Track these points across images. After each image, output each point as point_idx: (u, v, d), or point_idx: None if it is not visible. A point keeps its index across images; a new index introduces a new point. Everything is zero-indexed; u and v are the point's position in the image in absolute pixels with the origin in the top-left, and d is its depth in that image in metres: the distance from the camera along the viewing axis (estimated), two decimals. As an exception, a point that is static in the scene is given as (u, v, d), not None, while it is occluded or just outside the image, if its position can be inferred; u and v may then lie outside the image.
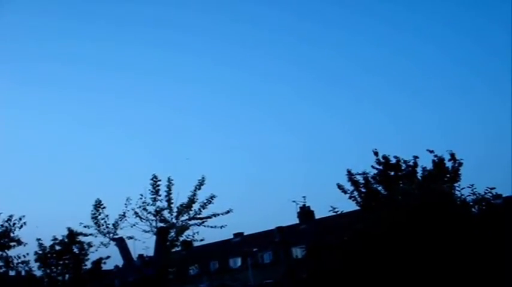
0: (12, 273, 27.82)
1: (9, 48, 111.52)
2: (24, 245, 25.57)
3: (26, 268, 26.99)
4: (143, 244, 22.28)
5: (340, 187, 24.19)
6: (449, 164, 23.88)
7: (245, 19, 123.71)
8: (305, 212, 54.08)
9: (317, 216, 54.37)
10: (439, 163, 23.92)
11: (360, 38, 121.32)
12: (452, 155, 23.94)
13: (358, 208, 24.39)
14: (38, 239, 28.11)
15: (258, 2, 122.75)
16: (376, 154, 24.54)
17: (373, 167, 24.33)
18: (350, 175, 24.16)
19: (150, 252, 22.36)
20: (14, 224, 24.96)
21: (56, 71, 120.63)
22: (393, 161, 24.28)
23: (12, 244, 25.04)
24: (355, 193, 24.03)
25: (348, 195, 24.09)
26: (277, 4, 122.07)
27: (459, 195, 22.96)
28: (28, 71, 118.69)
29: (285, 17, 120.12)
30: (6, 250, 25.08)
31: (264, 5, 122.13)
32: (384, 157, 24.35)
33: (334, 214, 24.08)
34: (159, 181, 21.04)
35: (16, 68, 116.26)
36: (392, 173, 24.17)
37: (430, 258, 19.78)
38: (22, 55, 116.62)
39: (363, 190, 24.02)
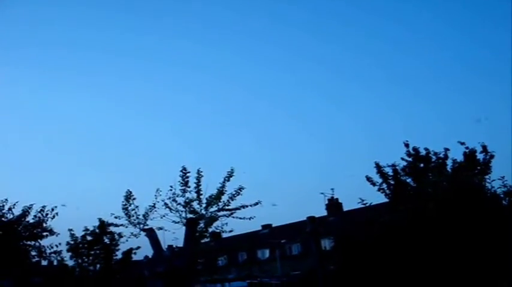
0: (44, 263, 28.22)
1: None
2: (57, 236, 25.93)
3: (58, 258, 27.38)
4: (173, 235, 22.55)
5: (368, 179, 24.10)
6: (480, 156, 23.62)
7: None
8: (333, 204, 53.83)
9: (345, 208, 54.18)
10: (470, 155, 23.66)
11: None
12: (484, 147, 23.66)
13: (387, 200, 24.29)
14: (70, 230, 28.41)
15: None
16: (406, 145, 24.33)
17: (402, 159, 24.17)
18: (378, 167, 24.05)
19: (179, 243, 22.61)
20: (47, 214, 25.33)
21: (105, 61, 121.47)
22: (423, 153, 24.09)
23: (44, 234, 25.43)
24: (384, 185, 23.92)
25: (376, 187, 24.01)
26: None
27: (490, 187, 22.84)
28: (76, 58, 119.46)
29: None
30: (39, 240, 25.49)
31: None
32: (414, 149, 24.15)
33: (363, 206, 24.12)
34: (189, 172, 21.20)
35: (66, 55, 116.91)
36: (422, 165, 23.98)
37: (460, 250, 19.69)
38: (71, 43, 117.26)
39: (392, 182, 23.90)
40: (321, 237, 39.43)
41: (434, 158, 23.80)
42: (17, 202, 25.30)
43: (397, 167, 23.87)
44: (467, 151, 23.68)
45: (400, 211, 22.42)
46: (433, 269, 20.24)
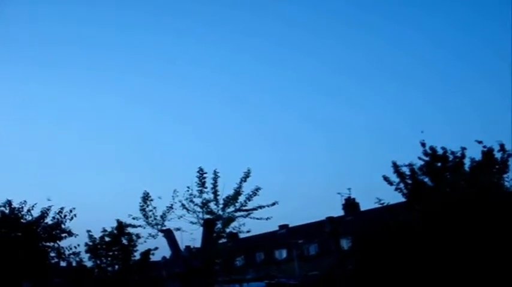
0: (63, 264, 28.43)
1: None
2: (75, 237, 26.11)
3: (77, 259, 27.58)
4: (190, 236, 22.58)
5: (386, 178, 24.05)
6: (498, 155, 23.47)
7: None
8: (350, 204, 53.83)
9: (362, 208, 54.12)
10: (487, 153, 23.52)
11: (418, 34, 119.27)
12: (502, 146, 23.52)
13: (404, 199, 24.21)
14: (88, 231, 28.64)
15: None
16: (423, 145, 24.26)
17: (419, 158, 24.08)
18: (396, 167, 23.98)
19: (197, 243, 22.62)
20: (65, 216, 25.52)
21: (122, 60, 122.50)
22: (440, 152, 23.98)
23: (63, 235, 25.61)
24: (401, 185, 23.85)
25: (393, 187, 23.95)
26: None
27: (508, 186, 22.67)
28: (94, 57, 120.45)
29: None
30: (58, 241, 25.68)
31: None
32: (431, 148, 24.05)
33: (380, 205, 24.05)
34: (205, 173, 21.23)
35: (85, 54, 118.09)
36: (439, 164, 23.87)
37: (478, 250, 19.54)
38: (94, 42, 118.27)
39: (409, 181, 23.82)
40: (340, 237, 39.39)
41: (451, 157, 23.69)
42: (35, 204, 25.53)
43: (414, 167, 23.79)
44: (484, 149, 23.55)
45: (417, 211, 22.33)
46: (451, 270, 20.13)
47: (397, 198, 24.22)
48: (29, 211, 25.30)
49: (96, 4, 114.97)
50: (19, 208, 25.21)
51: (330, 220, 45.74)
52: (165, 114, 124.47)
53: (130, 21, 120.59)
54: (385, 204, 23.77)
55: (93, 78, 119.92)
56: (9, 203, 25.28)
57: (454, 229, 20.22)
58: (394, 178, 23.98)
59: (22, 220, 25.23)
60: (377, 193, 34.78)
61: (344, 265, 29.74)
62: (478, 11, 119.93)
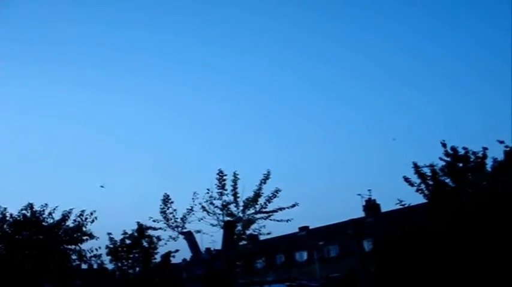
0: (84, 266, 28.55)
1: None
2: (96, 239, 26.24)
3: (98, 261, 27.69)
4: (210, 238, 22.54)
5: (406, 179, 23.80)
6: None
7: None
8: (371, 206, 53.55)
9: (383, 209, 53.87)
10: (510, 153, 23.20)
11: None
12: (525, 146, 23.19)
13: (425, 200, 23.99)
14: (109, 234, 28.78)
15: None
16: (444, 145, 23.94)
17: (441, 159, 23.79)
18: (416, 168, 23.76)
19: (217, 245, 22.60)
20: (86, 218, 25.66)
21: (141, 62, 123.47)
22: (462, 152, 23.70)
23: (84, 238, 25.75)
24: (423, 186, 23.61)
25: (415, 188, 23.71)
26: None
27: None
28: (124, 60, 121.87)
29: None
30: (79, 244, 25.82)
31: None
32: (452, 148, 23.74)
33: (401, 207, 23.86)
34: (225, 175, 21.15)
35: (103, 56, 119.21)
36: (461, 164, 23.58)
37: (501, 252, 19.33)
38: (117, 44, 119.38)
39: (430, 182, 23.57)
40: (362, 239, 39.19)
41: (473, 157, 23.41)
42: (56, 206, 25.72)
43: (435, 167, 23.54)
44: (507, 149, 23.25)
45: (439, 212, 22.14)
46: (473, 271, 19.93)
47: (419, 199, 24.01)
48: (50, 213, 25.49)
49: (127, 7, 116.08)
50: (40, 211, 25.40)
51: (353, 222, 45.53)
52: (184, 117, 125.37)
53: (155, 24, 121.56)
54: (406, 205, 23.60)
55: (113, 80, 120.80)
56: (30, 206, 25.47)
57: (477, 229, 20.04)
58: (415, 179, 23.74)
59: (44, 223, 25.41)
60: (398, 194, 34.62)
61: (366, 267, 29.61)
62: None
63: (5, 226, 25.30)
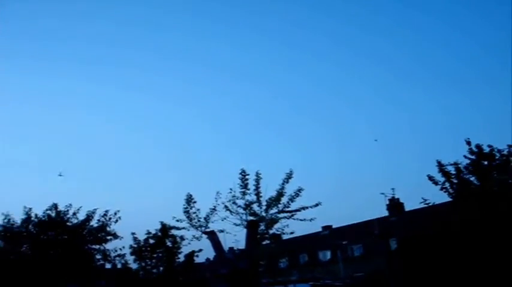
0: (108, 266, 28.74)
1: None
2: (120, 239, 26.43)
3: (122, 261, 27.88)
4: (234, 237, 22.56)
5: (430, 178, 23.58)
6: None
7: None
8: (394, 205, 53.04)
9: (407, 208, 53.40)
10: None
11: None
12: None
13: (450, 199, 23.75)
14: (133, 233, 28.89)
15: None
16: (468, 143, 23.66)
17: (465, 157, 23.52)
18: (440, 166, 23.53)
19: (240, 245, 22.62)
20: (110, 218, 25.87)
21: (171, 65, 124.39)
22: (487, 150, 23.42)
23: (108, 237, 25.94)
24: (447, 184, 23.38)
25: (439, 186, 23.48)
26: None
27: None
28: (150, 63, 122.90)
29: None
30: (103, 244, 26.01)
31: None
32: (477, 146, 23.47)
33: (426, 205, 23.64)
34: (248, 175, 21.20)
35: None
36: (485, 163, 23.30)
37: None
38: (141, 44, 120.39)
39: (455, 180, 23.33)
40: (390, 239, 38.95)
41: (498, 155, 23.13)
42: (80, 207, 25.96)
43: (459, 166, 23.30)
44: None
45: (464, 210, 21.92)
46: (502, 269, 19.73)
47: (443, 198, 23.78)
48: (74, 214, 25.74)
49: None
50: (65, 211, 25.64)
51: (379, 221, 45.30)
52: (206, 118, 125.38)
53: (185, 27, 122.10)
54: (430, 204, 23.40)
55: (142, 81, 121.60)
56: (55, 206, 25.76)
57: (504, 228, 19.84)
58: (439, 177, 23.51)
59: (68, 223, 25.64)
60: (422, 192, 34.34)
61: (392, 267, 29.42)
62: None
63: (30, 226, 25.59)
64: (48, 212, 25.70)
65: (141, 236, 28.91)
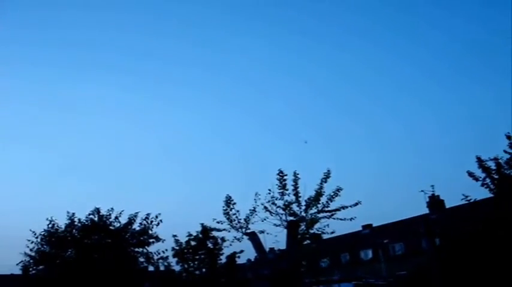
0: (151, 268, 29.06)
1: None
2: (162, 242, 26.69)
3: (165, 263, 28.12)
4: (274, 238, 22.68)
5: (470, 174, 23.31)
6: None
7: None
8: (435, 202, 52.46)
9: (448, 205, 52.76)
10: None
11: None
12: None
13: (491, 195, 23.44)
14: (174, 236, 29.20)
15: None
16: (509, 137, 23.25)
17: (505, 151, 23.17)
18: (480, 162, 23.25)
19: (281, 245, 22.65)
20: (152, 221, 26.17)
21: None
22: (527, 144, 23.05)
23: (151, 240, 26.25)
24: (488, 180, 23.07)
25: (479, 182, 23.18)
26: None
27: None
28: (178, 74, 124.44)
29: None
30: (146, 247, 26.33)
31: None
32: (517, 140, 23.14)
33: (467, 202, 23.38)
34: (285, 175, 21.26)
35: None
36: (527, 156, 22.96)
37: None
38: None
39: (496, 176, 23.01)
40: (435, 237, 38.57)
41: (539, 149, 22.75)
42: (122, 211, 26.33)
43: (500, 161, 22.97)
44: None
45: (506, 206, 21.64)
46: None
47: (484, 193, 23.50)
48: (116, 217, 26.10)
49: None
50: (107, 215, 26.02)
51: (425, 219, 44.89)
52: (250, 119, 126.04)
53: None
54: (472, 200, 23.15)
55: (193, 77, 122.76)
56: (97, 210, 26.14)
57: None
58: (480, 173, 23.23)
59: (111, 227, 26.02)
60: (463, 189, 33.96)
61: (437, 266, 29.17)
62: None
63: (74, 230, 26.01)
64: (91, 216, 26.06)
65: (183, 239, 29.28)
